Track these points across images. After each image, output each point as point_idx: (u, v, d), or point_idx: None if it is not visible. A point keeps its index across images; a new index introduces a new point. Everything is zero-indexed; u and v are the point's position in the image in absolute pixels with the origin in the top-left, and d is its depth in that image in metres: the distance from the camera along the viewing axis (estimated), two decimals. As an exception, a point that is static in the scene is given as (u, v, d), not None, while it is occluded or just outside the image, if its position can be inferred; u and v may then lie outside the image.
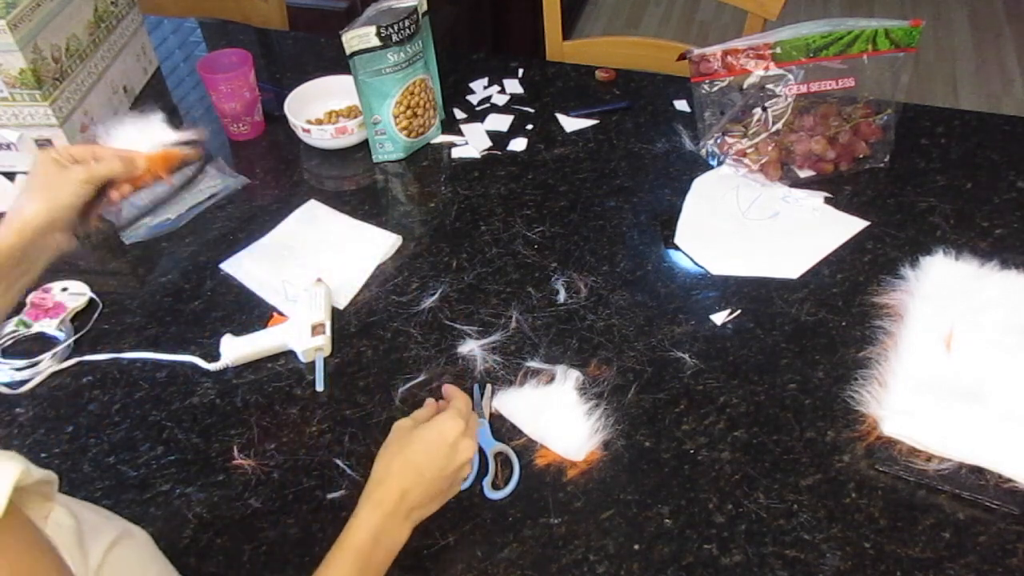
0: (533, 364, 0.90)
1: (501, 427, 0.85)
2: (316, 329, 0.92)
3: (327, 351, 0.92)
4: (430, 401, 0.80)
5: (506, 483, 0.79)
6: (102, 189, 0.81)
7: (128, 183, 0.84)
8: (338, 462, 0.82)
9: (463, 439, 0.72)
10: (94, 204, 0.80)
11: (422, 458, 0.70)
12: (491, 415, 0.85)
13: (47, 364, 0.92)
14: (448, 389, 0.81)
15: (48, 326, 0.95)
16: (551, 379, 0.88)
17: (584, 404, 0.85)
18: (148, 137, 0.89)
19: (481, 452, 0.82)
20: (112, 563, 0.64)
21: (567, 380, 0.87)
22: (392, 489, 0.68)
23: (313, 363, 0.91)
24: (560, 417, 0.84)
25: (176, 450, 0.84)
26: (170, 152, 0.87)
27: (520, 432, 0.84)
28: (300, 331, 0.92)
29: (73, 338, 0.95)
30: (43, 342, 0.95)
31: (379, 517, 0.67)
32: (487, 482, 0.79)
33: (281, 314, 0.97)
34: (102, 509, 0.72)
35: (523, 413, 0.85)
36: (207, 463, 0.83)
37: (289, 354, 0.93)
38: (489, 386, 0.88)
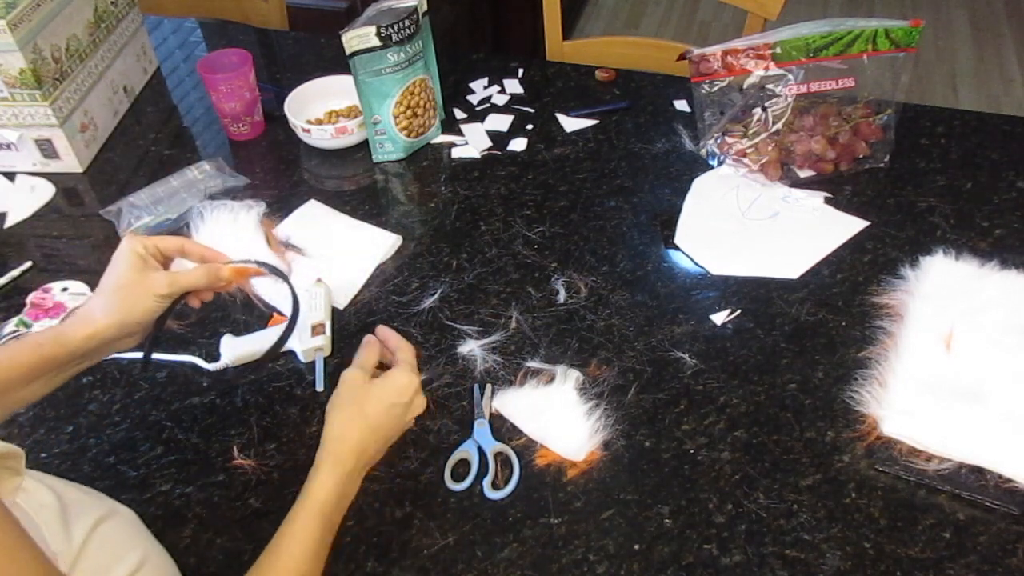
0: (533, 364, 0.90)
1: (501, 427, 0.85)
2: (316, 329, 0.91)
3: (327, 351, 0.92)
4: (371, 341, 0.81)
5: (506, 483, 0.79)
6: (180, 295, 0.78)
7: (208, 291, 0.81)
8: (338, 462, 0.82)
9: (418, 396, 0.77)
10: (170, 308, 0.77)
11: (381, 417, 0.74)
12: (491, 415, 0.85)
13: None
14: (384, 332, 0.83)
15: (47, 326, 0.95)
16: (551, 379, 0.88)
17: (584, 404, 0.85)
18: (240, 231, 0.86)
19: (481, 452, 0.82)
20: (97, 540, 0.64)
21: (567, 380, 0.87)
22: (353, 448, 0.71)
23: (313, 363, 0.91)
24: (560, 417, 0.84)
25: (176, 450, 0.84)
26: (256, 270, 0.84)
27: (520, 432, 0.84)
28: (300, 331, 0.91)
29: None
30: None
31: (341, 476, 0.70)
32: (487, 482, 0.79)
33: (281, 314, 0.97)
34: (88, 488, 0.72)
35: (523, 413, 0.85)
36: (207, 463, 0.83)
37: (289, 354, 0.93)
38: (489, 386, 0.88)
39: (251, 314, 0.98)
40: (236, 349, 0.90)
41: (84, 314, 0.71)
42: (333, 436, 0.72)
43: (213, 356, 0.91)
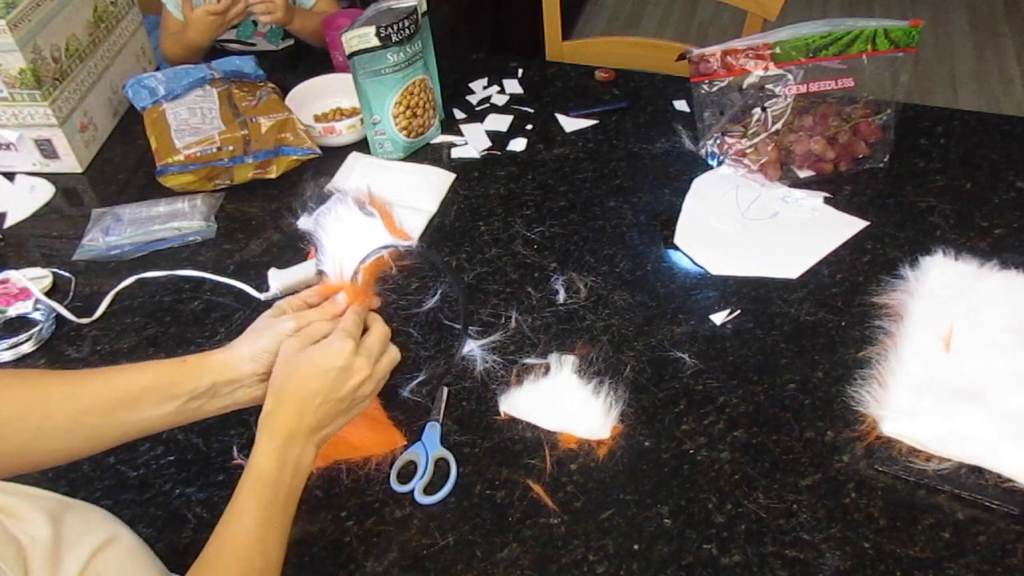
0: (527, 360, 0.90)
1: (515, 427, 0.84)
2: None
3: None
4: (306, 301, 0.77)
5: (437, 490, 0.78)
6: None
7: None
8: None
9: (355, 359, 0.71)
10: None
11: (314, 383, 0.69)
12: (501, 419, 0.85)
13: (30, 345, 0.95)
14: (326, 291, 0.78)
15: (25, 308, 0.98)
16: (547, 370, 0.88)
17: (588, 384, 0.86)
18: (362, 240, 0.79)
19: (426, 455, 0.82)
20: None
21: (563, 367, 0.88)
22: (287, 416, 0.68)
23: None
24: (571, 402, 0.85)
25: (176, 450, 0.84)
26: (367, 291, 0.79)
27: (537, 428, 0.84)
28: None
29: (53, 315, 0.98)
30: (23, 324, 0.97)
31: (278, 443, 0.67)
32: (419, 486, 0.78)
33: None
34: (88, 505, 0.69)
35: (534, 409, 0.85)
36: (207, 463, 0.83)
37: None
38: (445, 389, 0.87)
39: (251, 313, 0.98)
40: (283, 279, 0.99)
41: (222, 349, 0.72)
42: (267, 411, 0.69)
43: (262, 288, 0.99)
